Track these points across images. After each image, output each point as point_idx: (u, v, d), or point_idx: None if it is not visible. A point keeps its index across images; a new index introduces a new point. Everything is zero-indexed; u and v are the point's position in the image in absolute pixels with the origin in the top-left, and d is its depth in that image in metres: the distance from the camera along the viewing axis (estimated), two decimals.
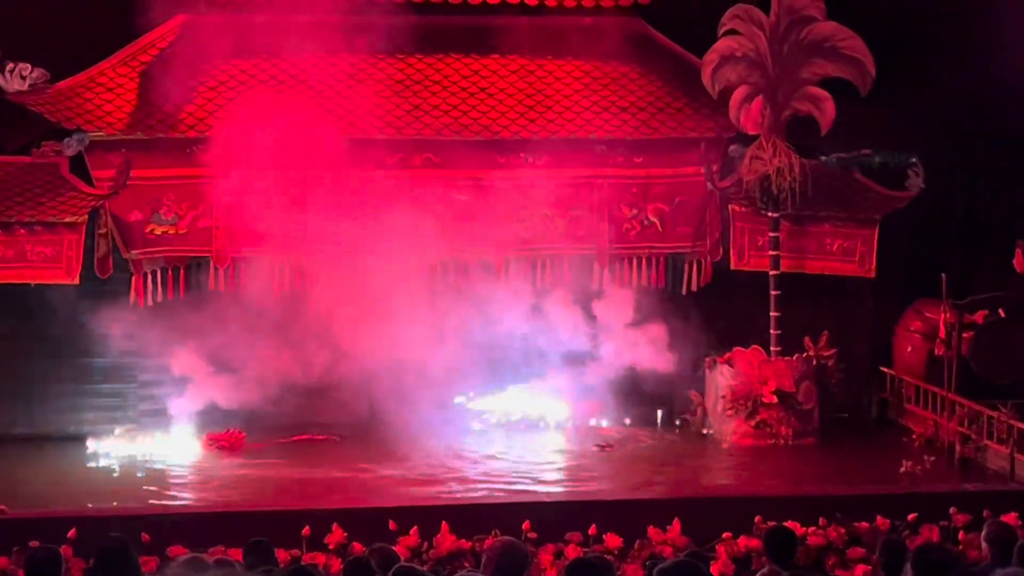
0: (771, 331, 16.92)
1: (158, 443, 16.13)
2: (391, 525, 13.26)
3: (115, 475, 15.34)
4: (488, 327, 16.41)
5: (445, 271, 17.19)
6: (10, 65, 15.99)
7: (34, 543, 12.16)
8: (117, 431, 16.52)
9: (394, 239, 16.53)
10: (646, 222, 17.65)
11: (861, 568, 13.29)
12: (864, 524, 13.71)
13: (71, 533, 12.80)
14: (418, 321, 16.18)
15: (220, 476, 15.25)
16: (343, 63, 17.11)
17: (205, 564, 9.26)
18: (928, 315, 17.33)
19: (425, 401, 16.36)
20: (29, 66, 16.02)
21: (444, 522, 13.36)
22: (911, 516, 13.78)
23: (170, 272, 16.85)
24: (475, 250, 17.20)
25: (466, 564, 12.87)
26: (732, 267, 17.67)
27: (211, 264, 16.90)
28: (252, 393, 16.02)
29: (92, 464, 15.71)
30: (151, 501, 14.22)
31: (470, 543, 13.26)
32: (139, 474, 15.35)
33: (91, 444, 16.18)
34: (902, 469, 15.21)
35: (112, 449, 16.09)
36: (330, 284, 16.70)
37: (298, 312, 16.42)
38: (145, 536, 12.47)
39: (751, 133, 16.90)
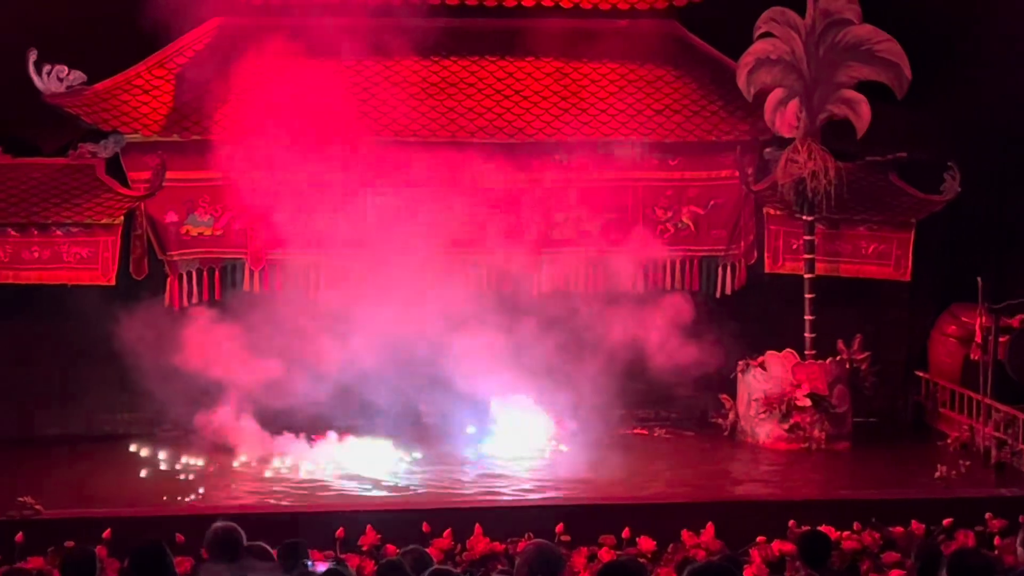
0: (805, 334, 16.87)
1: (194, 444, 16.17)
2: (424, 527, 13.28)
3: (150, 476, 15.37)
4: (519, 327, 16.36)
5: (479, 272, 17.21)
6: (47, 67, 16.08)
7: (69, 543, 12.25)
8: (152, 432, 16.61)
9: (427, 241, 16.56)
10: (680, 225, 17.64)
11: (896, 573, 13.23)
12: (899, 529, 13.67)
13: (106, 534, 12.85)
14: (450, 321, 16.18)
15: (253, 477, 15.27)
16: (378, 66, 17.13)
17: (239, 537, 9.32)
18: (964, 319, 17.27)
19: (456, 401, 16.38)
20: (66, 68, 16.11)
21: (477, 524, 13.37)
22: (946, 521, 13.75)
23: (205, 273, 16.92)
24: (509, 252, 17.20)
25: (499, 566, 12.86)
26: (766, 270, 17.66)
27: (246, 265, 16.97)
28: (288, 391, 16.03)
29: (127, 464, 15.78)
30: (186, 502, 14.24)
31: (503, 545, 13.27)
32: (175, 475, 15.38)
33: (126, 445, 16.27)
34: (937, 474, 15.12)
35: (147, 450, 16.16)
36: (362, 285, 16.74)
37: (332, 312, 16.44)
38: (179, 537, 12.49)
39: (786, 136, 16.86)
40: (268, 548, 9.82)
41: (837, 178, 16.60)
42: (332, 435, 16.14)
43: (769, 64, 16.76)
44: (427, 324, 16.14)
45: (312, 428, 16.29)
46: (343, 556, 12.87)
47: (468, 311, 16.26)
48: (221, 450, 15.95)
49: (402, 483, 15.04)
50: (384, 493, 14.72)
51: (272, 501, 14.30)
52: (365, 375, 16.02)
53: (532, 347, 16.32)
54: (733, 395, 17.19)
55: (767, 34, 16.77)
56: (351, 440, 16.14)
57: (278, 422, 16.18)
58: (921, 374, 17.83)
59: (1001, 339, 16.46)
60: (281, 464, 15.67)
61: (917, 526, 13.68)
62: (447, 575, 8.83)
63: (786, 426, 16.57)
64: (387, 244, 16.63)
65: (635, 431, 17.35)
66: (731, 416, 17.18)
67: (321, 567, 9.76)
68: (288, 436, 16.01)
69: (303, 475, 15.34)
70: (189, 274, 16.90)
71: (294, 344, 16.10)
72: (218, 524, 9.58)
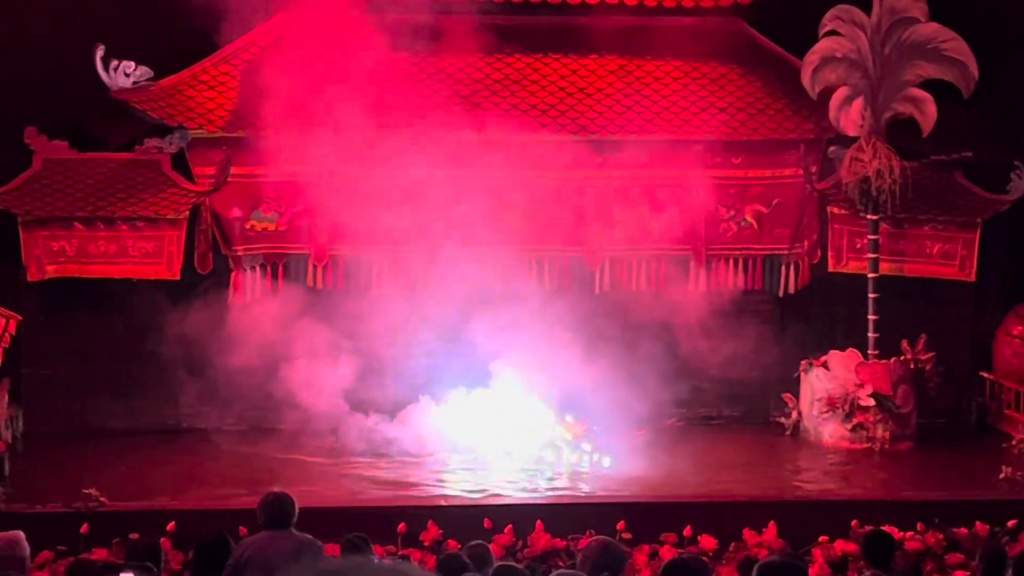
0: (869, 334, 16.78)
1: (259, 437, 16.26)
2: (486, 523, 13.30)
3: (216, 469, 15.46)
4: (580, 324, 16.34)
5: (540, 270, 17.21)
6: (114, 63, 16.19)
7: (134, 535, 12.34)
8: (217, 426, 16.71)
9: (490, 239, 16.58)
10: (743, 223, 17.57)
11: (960, 574, 13.16)
12: (963, 530, 13.59)
13: (170, 526, 12.94)
14: (512, 319, 16.20)
15: (318, 472, 15.32)
16: (442, 62, 17.17)
17: (288, 501, 9.40)
18: None
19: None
20: (133, 64, 16.23)
21: (539, 521, 13.38)
22: (1011, 522, 13.65)
23: (269, 268, 16.99)
24: (571, 250, 17.21)
25: (560, 563, 12.87)
26: (830, 269, 17.57)
27: (309, 261, 17.03)
28: (348, 388, 16.11)
29: (193, 457, 15.88)
30: (249, 495, 14.30)
31: (564, 542, 13.28)
32: (239, 468, 15.45)
33: (191, 437, 16.38)
34: (1002, 475, 15.00)
35: (216, 442, 16.25)
36: (423, 280, 16.79)
37: (393, 308, 16.50)
38: (243, 530, 12.53)
39: (851, 134, 16.78)
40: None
41: (902, 177, 16.50)
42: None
43: (834, 62, 16.69)
44: (486, 319, 16.15)
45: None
46: (405, 551, 12.93)
47: (527, 307, 16.27)
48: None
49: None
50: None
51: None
52: (426, 368, 16.12)
53: (593, 345, 16.29)
54: (796, 394, 17.12)
55: (832, 32, 16.70)
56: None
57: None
58: (986, 375, 17.70)
59: None
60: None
61: (981, 527, 13.60)
62: (512, 571, 8.84)
63: (849, 426, 16.50)
64: (449, 240, 16.66)
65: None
66: (794, 415, 17.11)
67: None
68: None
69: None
70: (253, 269, 16.98)
71: (355, 336, 16.17)
72: (269, 492, 9.68)
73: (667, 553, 13.09)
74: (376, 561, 9.10)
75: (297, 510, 9.55)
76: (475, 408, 16.14)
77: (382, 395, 16.29)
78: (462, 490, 14.65)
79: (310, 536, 9.64)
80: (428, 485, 14.82)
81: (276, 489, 9.74)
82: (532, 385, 16.14)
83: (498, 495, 14.40)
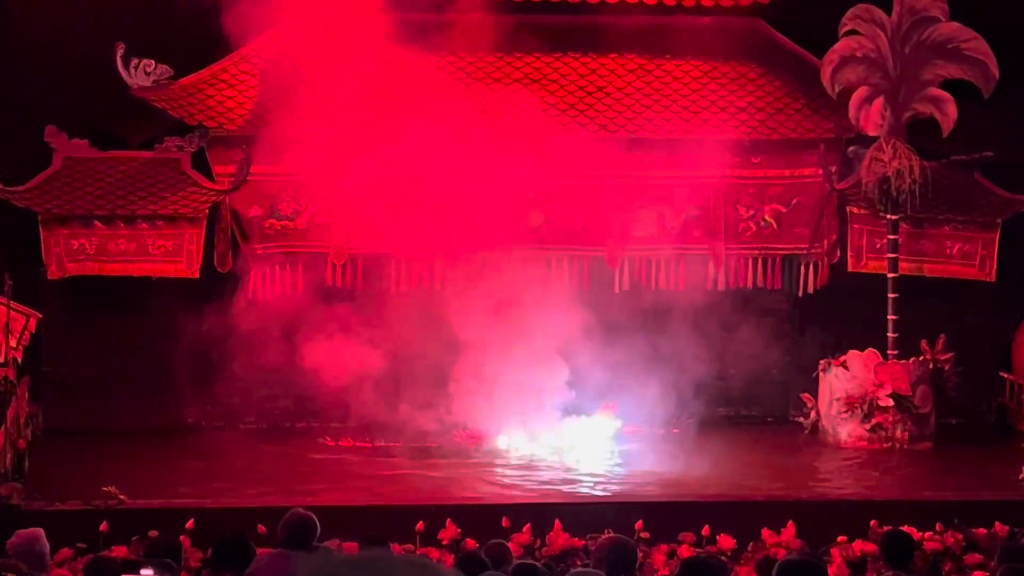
0: (888, 334, 16.75)
1: (279, 435, 16.27)
2: (504, 522, 13.29)
3: (235, 467, 15.47)
4: (600, 323, 16.34)
5: (560, 269, 17.20)
6: (135, 61, 16.23)
7: (153, 533, 12.36)
8: (238, 423, 16.73)
9: (509, 237, 16.58)
10: (762, 223, 17.55)
11: (979, 574, 13.12)
12: (982, 530, 13.55)
13: (189, 523, 12.96)
14: (532, 319, 16.20)
15: (337, 472, 15.33)
16: (461, 61, 17.18)
17: (311, 524, 9.36)
18: None
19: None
20: (153, 62, 16.27)
21: (557, 520, 13.38)
22: None
23: (288, 266, 16.99)
24: (591, 249, 17.21)
25: (578, 562, 12.87)
26: (849, 269, 17.55)
27: (328, 259, 17.03)
28: (374, 391, 16.13)
29: (211, 455, 15.91)
30: (269, 493, 14.33)
31: (583, 541, 13.26)
32: (258, 466, 15.47)
33: (210, 436, 16.40)
34: (1021, 475, 14.96)
35: (235, 439, 16.27)
36: (443, 280, 16.80)
37: (414, 309, 16.51)
38: (262, 528, 12.57)
39: (871, 134, 16.75)
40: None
41: (922, 177, 16.47)
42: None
43: (854, 62, 16.66)
44: (506, 320, 16.16)
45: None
46: (423, 550, 12.93)
47: (545, 308, 16.27)
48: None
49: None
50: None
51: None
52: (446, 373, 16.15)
53: (610, 343, 16.29)
54: (814, 394, 17.09)
55: (852, 31, 16.68)
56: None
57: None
58: (1005, 375, 17.67)
59: None
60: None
61: (1000, 528, 13.56)
62: (531, 570, 8.84)
63: (868, 426, 16.46)
64: (469, 240, 16.66)
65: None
66: (812, 415, 17.08)
67: None
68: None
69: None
70: (272, 267, 16.97)
71: (378, 333, 16.19)
72: (293, 511, 9.62)
73: (685, 552, 13.07)
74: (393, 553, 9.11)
75: (318, 531, 9.41)
76: (508, 406, 16.17)
77: (411, 394, 16.31)
78: (485, 489, 14.66)
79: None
80: (453, 483, 14.83)
81: (300, 509, 9.65)
82: (557, 382, 16.15)
83: (515, 493, 14.40)
